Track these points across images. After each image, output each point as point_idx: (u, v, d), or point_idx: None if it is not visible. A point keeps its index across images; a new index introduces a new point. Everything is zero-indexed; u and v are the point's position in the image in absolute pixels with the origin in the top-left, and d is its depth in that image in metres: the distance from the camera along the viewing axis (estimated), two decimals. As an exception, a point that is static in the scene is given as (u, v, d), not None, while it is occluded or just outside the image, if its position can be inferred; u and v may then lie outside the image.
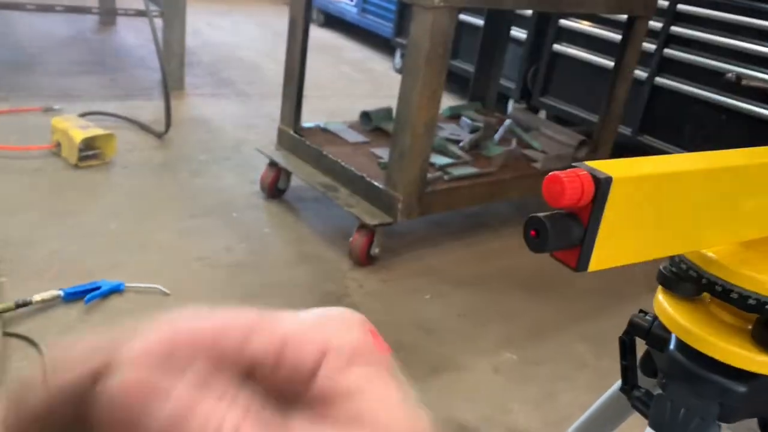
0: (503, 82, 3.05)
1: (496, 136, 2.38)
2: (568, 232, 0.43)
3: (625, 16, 2.29)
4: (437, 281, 1.92)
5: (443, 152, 2.17)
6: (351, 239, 1.91)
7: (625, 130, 2.80)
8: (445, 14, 1.67)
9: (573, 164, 0.44)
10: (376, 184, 1.91)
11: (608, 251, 0.45)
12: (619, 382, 0.70)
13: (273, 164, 2.18)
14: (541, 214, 0.42)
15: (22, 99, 2.70)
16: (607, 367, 1.66)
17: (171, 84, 2.66)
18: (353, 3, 4.78)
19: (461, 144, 2.27)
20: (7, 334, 1.41)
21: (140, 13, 3.04)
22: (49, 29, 3.91)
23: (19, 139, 2.30)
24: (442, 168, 2.06)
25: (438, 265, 2.01)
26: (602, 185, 0.43)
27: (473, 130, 2.38)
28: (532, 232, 0.42)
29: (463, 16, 3.53)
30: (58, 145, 2.24)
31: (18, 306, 1.46)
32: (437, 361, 1.59)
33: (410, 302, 1.81)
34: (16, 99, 2.69)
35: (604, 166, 0.44)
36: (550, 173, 0.43)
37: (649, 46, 2.67)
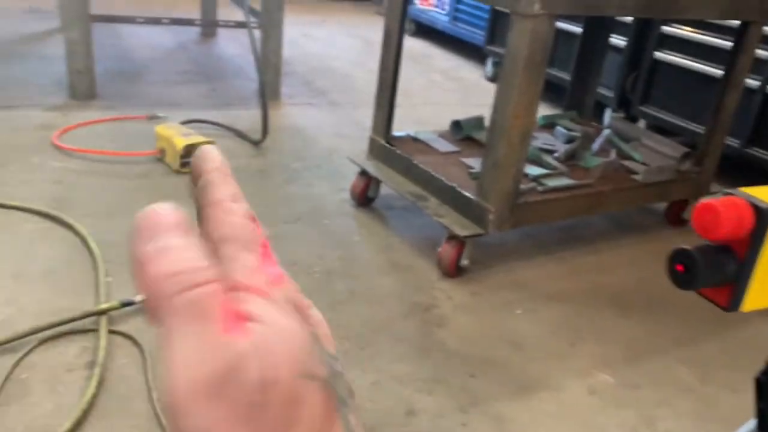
0: (600, 90, 2.95)
1: (594, 147, 2.30)
2: (721, 268, 0.38)
3: (736, 22, 2.16)
4: (528, 296, 1.87)
5: (537, 162, 2.11)
6: (440, 249, 1.89)
7: (733, 142, 2.64)
8: (544, 22, 1.62)
9: (727, 191, 0.39)
10: (466, 194, 1.88)
11: (765, 289, 0.40)
12: (750, 423, 0.64)
13: (363, 173, 2.20)
14: (689, 247, 0.38)
15: (129, 107, 2.85)
16: (714, 394, 1.56)
17: (267, 93, 2.73)
18: (445, 11, 4.76)
19: (556, 154, 2.20)
20: (112, 332, 1.47)
21: (240, 25, 3.14)
22: (155, 41, 4.12)
23: (125, 146, 2.42)
24: (537, 179, 2.00)
25: (529, 279, 1.95)
26: (764, 216, 0.38)
27: (569, 140, 2.31)
28: (679, 267, 0.38)
29: (558, 23, 3.44)
30: (162, 151, 2.34)
31: (123, 305, 1.53)
32: (528, 379, 1.54)
33: (500, 316, 1.76)
34: (123, 107, 2.84)
35: (765, 194, 0.39)
36: (702, 201, 0.38)
37: (763, 53, 2.51)
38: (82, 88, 2.88)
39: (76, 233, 1.83)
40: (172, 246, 0.22)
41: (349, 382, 0.25)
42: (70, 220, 1.87)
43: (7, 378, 1.31)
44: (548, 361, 1.61)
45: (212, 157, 0.27)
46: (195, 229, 0.25)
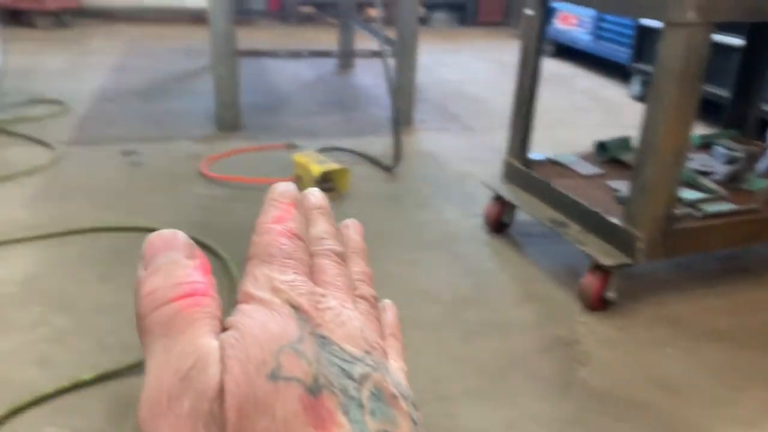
0: (765, 107, 2.66)
1: (760, 168, 2.06)
2: None
3: None
4: (682, 333, 1.68)
5: (693, 185, 1.92)
6: (582, 280, 1.76)
7: None
8: (699, 31, 1.48)
9: None
10: (612, 220, 1.74)
11: None
12: None
13: (498, 198, 2.11)
14: None
15: (269, 137, 2.96)
16: None
17: (401, 120, 2.73)
18: (586, 30, 4.58)
19: (715, 176, 2.00)
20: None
21: (375, 54, 3.19)
22: (295, 74, 4.29)
23: (265, 173, 2.50)
24: (693, 203, 1.82)
25: (683, 315, 1.76)
26: None
27: (730, 161, 2.09)
28: None
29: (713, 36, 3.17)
30: (299, 178, 2.39)
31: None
32: (681, 427, 1.37)
33: (650, 355, 1.60)
34: (264, 137, 2.96)
35: None
36: None
37: None
38: (228, 120, 3.04)
39: (218, 256, 1.90)
40: (161, 266, 0.23)
41: (388, 385, 0.23)
42: (213, 244, 1.94)
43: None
44: (707, 407, 1.43)
45: (281, 190, 0.29)
46: (197, 249, 0.24)
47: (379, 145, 2.90)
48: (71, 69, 4.24)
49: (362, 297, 0.29)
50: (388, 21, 3.27)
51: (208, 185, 2.43)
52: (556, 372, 1.52)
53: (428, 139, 3.10)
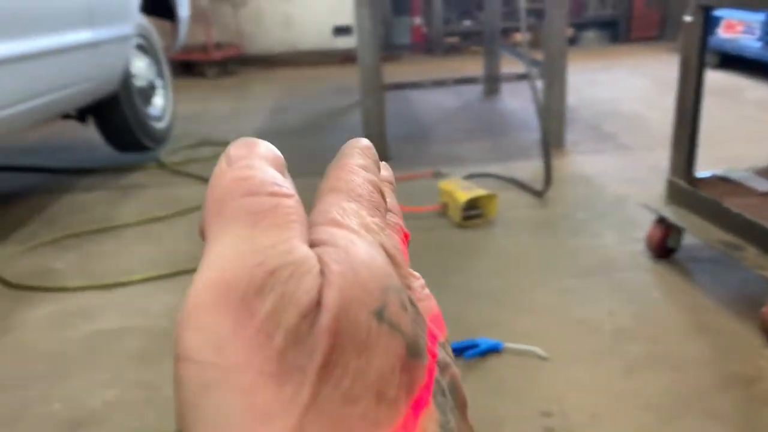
0: None
1: None
2: None
3: None
4: None
5: None
6: (764, 309, 1.57)
7: None
8: None
9: None
10: (797, 242, 1.54)
11: None
12: None
13: (661, 220, 1.95)
14: None
15: (415, 166, 2.98)
16: None
17: (551, 142, 2.64)
18: (756, 37, 4.20)
19: None
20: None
21: (521, 77, 3.12)
22: (440, 102, 4.32)
23: (412, 201, 2.52)
24: None
25: None
26: None
27: None
28: None
29: None
30: (445, 205, 2.38)
31: (405, 358, 1.53)
32: None
33: None
34: (411, 166, 2.98)
35: None
36: None
37: None
38: (377, 151, 3.11)
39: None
40: (255, 165, 0.19)
41: (463, 388, 0.19)
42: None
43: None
44: None
45: (367, 143, 0.25)
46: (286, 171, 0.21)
47: (529, 169, 2.82)
48: (234, 112, 4.57)
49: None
50: (535, 44, 3.20)
51: (358, 216, 2.48)
52: (736, 413, 1.36)
53: (581, 161, 2.97)
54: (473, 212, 2.31)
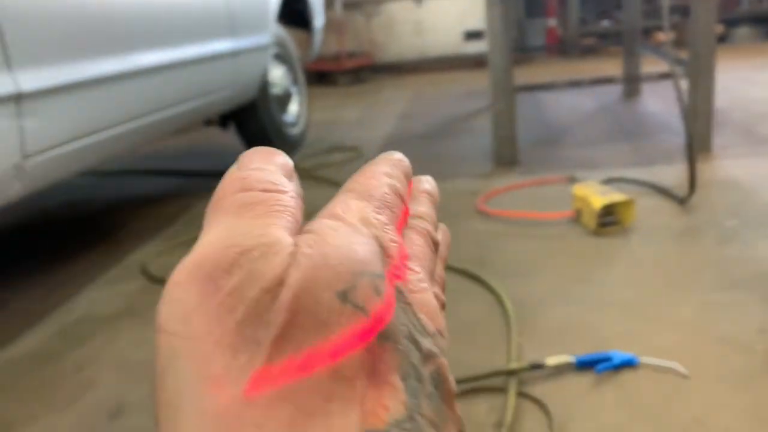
0: None
1: None
2: None
3: None
4: None
5: None
6: None
7: None
8: None
9: None
10: None
11: None
12: None
13: (827, 230, 1.75)
14: None
15: (547, 171, 2.88)
16: None
17: (696, 146, 2.45)
18: None
19: None
20: (520, 394, 1.42)
21: (664, 76, 2.93)
22: (575, 105, 4.16)
23: (543, 207, 2.43)
24: None
25: None
26: None
27: None
28: None
29: None
30: (578, 212, 2.27)
31: (532, 367, 1.47)
32: None
33: None
34: (542, 171, 2.89)
35: None
36: None
37: None
38: (505, 156, 3.04)
39: (493, 292, 1.87)
40: (258, 167, 0.21)
41: (450, 378, 0.20)
42: (488, 279, 1.92)
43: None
44: None
45: (399, 156, 0.27)
46: (294, 173, 0.23)
47: (671, 174, 2.64)
48: (364, 119, 4.66)
49: (436, 296, 0.25)
50: (679, 43, 2.99)
51: (485, 221, 2.43)
52: None
53: (731, 165, 2.73)
54: (609, 219, 2.18)
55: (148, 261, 2.31)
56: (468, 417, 1.39)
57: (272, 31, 3.25)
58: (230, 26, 2.75)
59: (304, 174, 3.25)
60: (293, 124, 3.63)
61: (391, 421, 0.17)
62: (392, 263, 0.20)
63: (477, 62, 6.52)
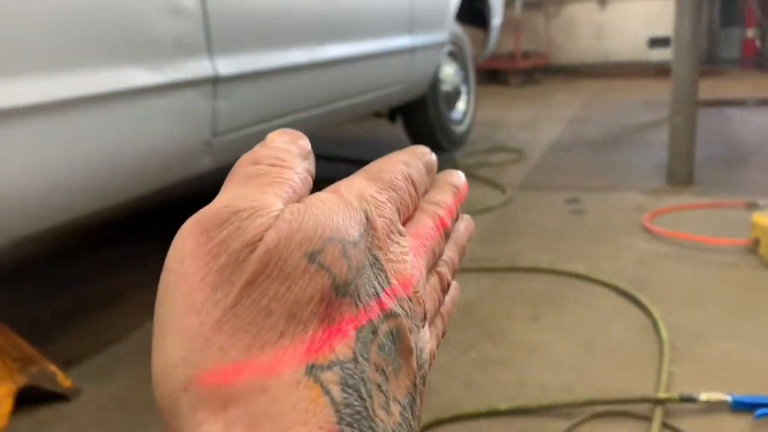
0: None
1: None
2: None
3: None
4: None
5: None
6: None
7: None
8: None
9: None
10: None
11: None
12: None
13: None
14: None
15: (724, 193, 2.68)
16: None
17: None
18: None
19: None
20: (665, 426, 1.36)
21: None
22: (766, 124, 3.80)
23: (715, 232, 2.27)
24: None
25: None
26: None
27: None
28: None
29: None
30: (756, 241, 2.10)
31: (682, 399, 1.40)
32: None
33: None
34: (718, 193, 2.69)
35: None
36: None
37: None
38: (680, 173, 2.86)
39: (649, 315, 1.79)
40: (276, 146, 0.25)
41: (409, 336, 0.23)
42: (645, 301, 1.84)
43: (556, 441, 1.34)
44: None
45: (424, 149, 0.29)
46: (311, 156, 0.26)
47: None
48: (532, 121, 4.59)
49: (439, 275, 0.29)
50: None
51: (650, 240, 2.32)
52: None
53: None
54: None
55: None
56: (606, 439, 1.35)
57: (449, 29, 3.30)
58: (410, 24, 2.84)
59: (463, 171, 3.27)
60: (459, 122, 3.67)
61: (335, 359, 0.20)
62: (375, 235, 0.23)
63: (659, 70, 6.15)
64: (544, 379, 1.54)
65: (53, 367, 1.51)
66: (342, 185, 0.25)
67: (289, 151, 0.25)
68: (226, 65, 1.76)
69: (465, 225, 0.34)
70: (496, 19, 3.95)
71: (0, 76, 1.17)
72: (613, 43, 6.71)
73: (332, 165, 3.63)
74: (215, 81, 1.73)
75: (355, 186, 0.25)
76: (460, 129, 3.65)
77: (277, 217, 0.21)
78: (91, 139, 1.39)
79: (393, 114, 3.49)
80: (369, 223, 0.24)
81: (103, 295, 2.11)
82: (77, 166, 1.37)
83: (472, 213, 2.66)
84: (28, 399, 1.46)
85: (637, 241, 2.32)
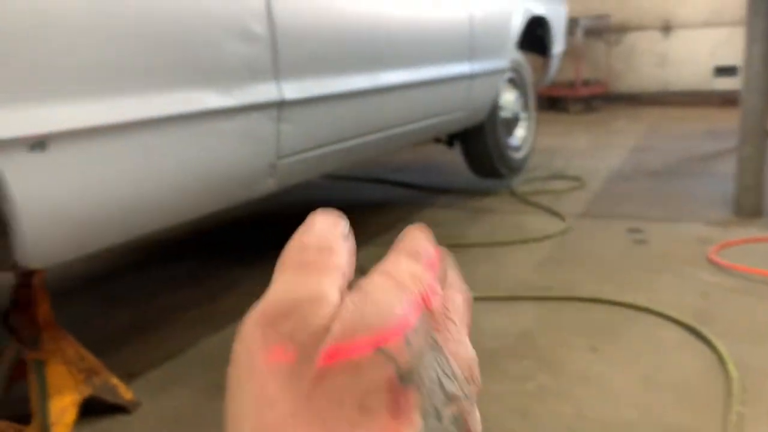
0: None
1: None
2: None
3: None
4: None
5: None
6: None
7: None
8: None
9: None
10: None
11: None
12: None
13: None
14: None
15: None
16: None
17: None
18: None
19: None
20: (733, 468, 1.30)
21: None
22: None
23: (786, 268, 2.18)
24: None
25: None
26: None
27: None
28: None
29: None
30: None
31: (751, 442, 1.34)
32: None
33: None
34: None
35: None
36: None
37: None
38: (748, 205, 2.77)
39: (714, 350, 1.72)
40: (319, 231, 0.25)
41: (471, 421, 0.24)
42: (710, 336, 1.77)
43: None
44: None
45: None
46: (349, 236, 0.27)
47: None
48: (592, 149, 4.53)
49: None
50: None
51: (716, 273, 2.24)
52: None
53: None
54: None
55: (364, 263, 2.47)
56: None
57: (510, 56, 3.30)
58: (470, 50, 2.85)
59: (521, 198, 3.25)
60: (517, 149, 3.64)
61: None
62: (433, 317, 0.24)
63: (725, 100, 5.98)
64: (604, 414, 1.50)
65: (115, 380, 1.56)
66: (389, 266, 0.25)
67: (333, 234, 0.26)
68: (292, 90, 1.80)
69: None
70: (558, 46, 3.93)
71: (81, 96, 1.23)
72: (676, 71, 6.58)
73: (389, 189, 3.65)
74: (281, 105, 1.77)
75: (403, 265, 0.25)
76: (518, 156, 3.63)
77: (339, 307, 0.22)
78: (162, 159, 1.44)
79: (451, 139, 3.49)
80: (425, 303, 0.24)
81: (159, 311, 2.17)
82: (148, 185, 1.42)
83: (530, 241, 2.63)
84: (89, 410, 1.51)
85: (702, 273, 2.24)
